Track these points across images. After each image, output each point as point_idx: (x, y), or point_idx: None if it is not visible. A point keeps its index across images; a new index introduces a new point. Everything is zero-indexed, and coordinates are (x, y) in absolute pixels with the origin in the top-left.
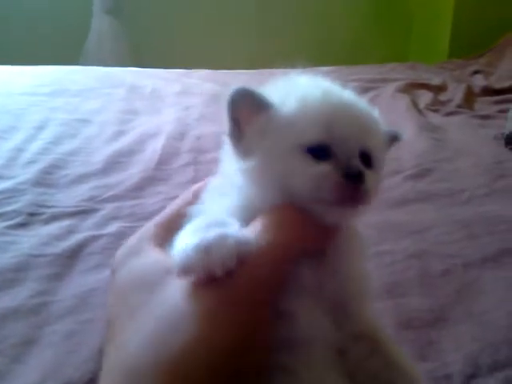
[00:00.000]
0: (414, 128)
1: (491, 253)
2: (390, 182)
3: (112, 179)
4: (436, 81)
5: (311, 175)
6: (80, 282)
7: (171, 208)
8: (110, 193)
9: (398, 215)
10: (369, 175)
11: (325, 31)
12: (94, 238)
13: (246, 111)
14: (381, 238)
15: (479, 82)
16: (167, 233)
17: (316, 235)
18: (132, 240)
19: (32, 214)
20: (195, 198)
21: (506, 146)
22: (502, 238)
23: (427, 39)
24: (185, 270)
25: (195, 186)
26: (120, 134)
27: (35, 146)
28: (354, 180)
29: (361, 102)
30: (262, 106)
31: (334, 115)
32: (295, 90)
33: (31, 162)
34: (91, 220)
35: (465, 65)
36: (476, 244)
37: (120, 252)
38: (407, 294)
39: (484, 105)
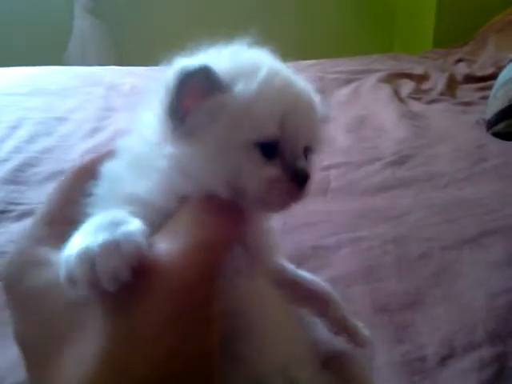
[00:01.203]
0: (395, 116)
1: (469, 235)
2: (369, 170)
3: None
4: (418, 70)
5: (262, 179)
6: None
7: (59, 195)
8: None
9: (377, 201)
10: (311, 171)
11: (308, 23)
12: None
13: (197, 89)
14: (358, 224)
15: (462, 70)
16: (61, 226)
17: (234, 226)
18: (22, 245)
19: (2, 212)
20: (87, 175)
21: (487, 131)
22: (480, 221)
23: (411, 30)
24: (70, 281)
25: (88, 159)
26: (96, 130)
27: (8, 145)
28: (302, 183)
29: (311, 94)
30: (216, 86)
31: (289, 111)
32: (249, 72)
33: (3, 160)
34: None
35: (448, 54)
36: (454, 227)
37: (13, 262)
38: (384, 279)
39: (466, 92)
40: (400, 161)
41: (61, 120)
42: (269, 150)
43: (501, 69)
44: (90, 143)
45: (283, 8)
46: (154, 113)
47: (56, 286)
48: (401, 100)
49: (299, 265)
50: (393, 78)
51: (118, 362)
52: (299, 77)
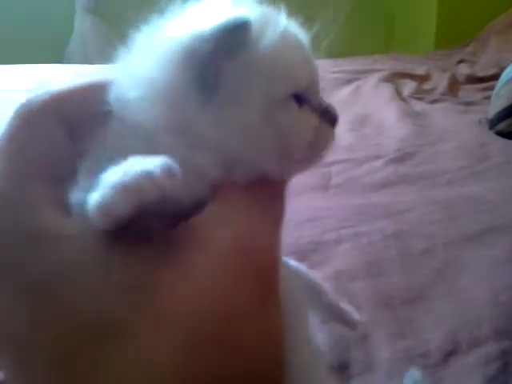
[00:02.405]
0: (397, 114)
1: (472, 232)
2: (370, 166)
3: None
4: (420, 70)
5: (310, 127)
6: None
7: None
8: None
9: (378, 198)
10: None
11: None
12: None
13: (228, 48)
14: (359, 219)
15: (463, 70)
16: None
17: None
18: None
19: None
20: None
21: (490, 130)
22: (484, 218)
23: (412, 31)
24: (104, 212)
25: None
26: None
27: None
28: (335, 122)
29: None
30: (244, 42)
31: (309, 56)
32: (267, 23)
33: None
34: None
35: (449, 55)
36: (457, 224)
37: None
38: (386, 274)
39: (468, 92)
40: (402, 158)
41: None
42: (300, 99)
43: (502, 69)
44: None
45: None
46: (162, 78)
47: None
48: (403, 99)
49: (300, 260)
50: (394, 78)
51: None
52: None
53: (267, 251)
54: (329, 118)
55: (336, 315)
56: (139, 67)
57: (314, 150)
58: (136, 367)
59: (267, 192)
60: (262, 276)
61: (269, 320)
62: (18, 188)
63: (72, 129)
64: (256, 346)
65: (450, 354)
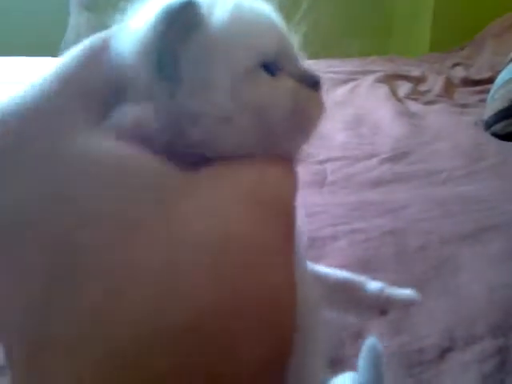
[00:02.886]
0: (392, 114)
1: (468, 230)
2: (365, 165)
3: None
4: (415, 72)
5: (285, 94)
6: None
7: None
8: None
9: (373, 195)
10: None
11: (304, 22)
12: None
13: (179, 32)
14: (355, 216)
15: (459, 73)
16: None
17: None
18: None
19: None
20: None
21: (486, 131)
22: (479, 217)
23: (408, 33)
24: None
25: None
26: None
27: None
28: (319, 86)
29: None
30: (197, 22)
31: (274, 22)
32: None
33: None
34: None
35: (444, 58)
36: (453, 222)
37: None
38: (382, 270)
39: (464, 95)
40: (397, 157)
41: None
42: (272, 68)
43: (497, 73)
44: None
45: (279, 8)
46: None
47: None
48: (398, 100)
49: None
50: (390, 79)
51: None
52: None
53: (289, 199)
54: (310, 81)
55: (386, 301)
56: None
57: (299, 118)
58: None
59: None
60: (283, 220)
61: (289, 264)
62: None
63: None
64: (274, 288)
65: (446, 350)
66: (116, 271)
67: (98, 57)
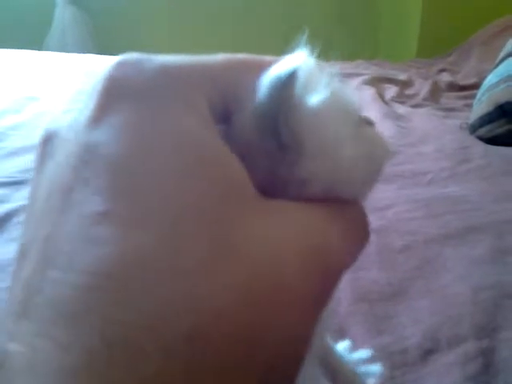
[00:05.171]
0: (379, 116)
1: (453, 230)
2: None
3: None
4: (402, 76)
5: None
6: (2, 250)
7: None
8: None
9: None
10: None
11: (293, 28)
12: (25, 207)
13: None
14: None
15: (445, 78)
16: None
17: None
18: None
19: None
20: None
21: (471, 134)
22: (464, 217)
23: (395, 39)
24: None
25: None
26: (69, 111)
27: None
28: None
29: None
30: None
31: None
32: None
33: None
34: (25, 191)
35: (431, 64)
36: (437, 222)
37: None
38: (365, 268)
39: (450, 99)
40: None
41: (32, 99)
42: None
43: (483, 79)
44: (60, 123)
45: (266, 11)
46: None
47: None
48: (385, 102)
49: None
50: (377, 82)
51: None
52: None
53: (335, 252)
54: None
55: None
56: None
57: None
58: None
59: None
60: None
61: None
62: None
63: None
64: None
65: (429, 352)
66: None
67: None
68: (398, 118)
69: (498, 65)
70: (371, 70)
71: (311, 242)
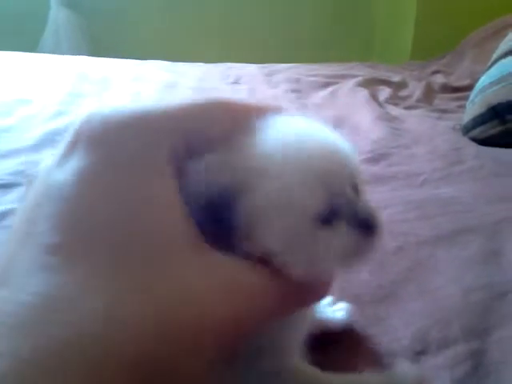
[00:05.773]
0: (372, 117)
1: (445, 232)
2: None
3: (43, 156)
4: (396, 78)
5: (339, 248)
6: None
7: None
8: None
9: None
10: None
11: (288, 30)
12: (15, 211)
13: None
14: None
15: (439, 80)
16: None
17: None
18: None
19: None
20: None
21: (464, 135)
22: (456, 219)
23: (390, 41)
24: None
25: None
26: (60, 114)
27: None
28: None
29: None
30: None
31: (330, 173)
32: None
33: None
34: (15, 193)
35: (425, 66)
36: (430, 223)
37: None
38: (357, 270)
39: (443, 101)
40: (376, 159)
41: (24, 102)
42: (328, 216)
43: (476, 80)
44: (51, 125)
45: (263, 11)
46: None
47: None
48: (378, 104)
49: None
50: (370, 84)
51: None
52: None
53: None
54: (363, 225)
55: None
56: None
57: (345, 261)
58: None
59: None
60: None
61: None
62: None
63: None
64: None
65: (419, 353)
66: None
67: None
68: (391, 119)
69: (490, 66)
70: (365, 72)
71: (229, 296)
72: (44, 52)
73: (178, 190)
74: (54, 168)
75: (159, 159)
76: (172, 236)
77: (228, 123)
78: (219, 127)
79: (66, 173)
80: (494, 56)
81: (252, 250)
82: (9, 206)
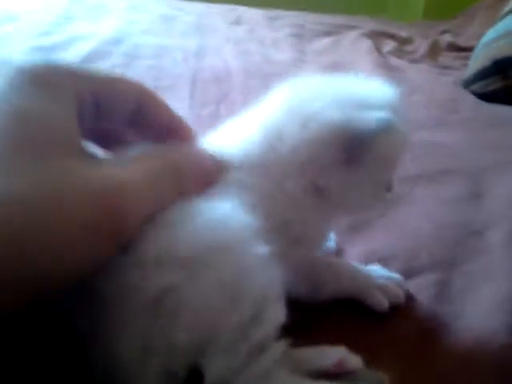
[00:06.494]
0: (371, 66)
1: (427, 171)
2: None
3: None
4: (402, 34)
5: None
6: None
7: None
8: None
9: None
10: None
11: None
12: None
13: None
14: None
15: (446, 38)
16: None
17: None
18: None
19: None
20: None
21: (464, 89)
22: (442, 161)
23: (402, 2)
24: None
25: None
26: (46, 33)
27: None
28: None
29: None
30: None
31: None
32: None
33: None
34: None
35: (435, 26)
36: (414, 163)
37: None
38: None
39: (448, 58)
40: None
41: (9, 19)
42: None
43: None
44: (36, 43)
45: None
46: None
47: None
48: (381, 55)
49: None
50: (376, 36)
51: None
52: None
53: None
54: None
55: None
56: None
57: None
58: None
59: None
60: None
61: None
62: None
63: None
64: None
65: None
66: None
67: None
68: (391, 69)
69: (498, 21)
70: (372, 25)
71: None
72: None
73: (76, 120)
74: None
75: (66, 94)
76: (65, 137)
77: (132, 104)
78: (124, 105)
79: None
80: (503, 11)
81: None
82: None
